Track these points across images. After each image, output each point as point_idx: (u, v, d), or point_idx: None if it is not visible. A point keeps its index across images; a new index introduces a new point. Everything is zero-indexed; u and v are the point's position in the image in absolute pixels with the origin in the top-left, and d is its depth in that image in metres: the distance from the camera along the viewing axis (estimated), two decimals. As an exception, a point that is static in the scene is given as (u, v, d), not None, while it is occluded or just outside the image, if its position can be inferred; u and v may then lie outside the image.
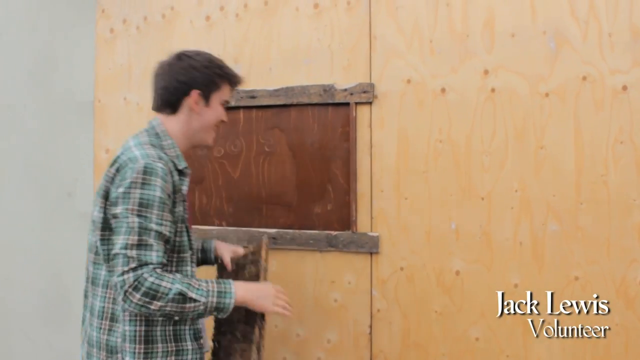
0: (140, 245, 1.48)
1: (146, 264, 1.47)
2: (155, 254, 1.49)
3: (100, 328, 1.60)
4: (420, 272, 2.04)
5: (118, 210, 1.51)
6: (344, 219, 2.13)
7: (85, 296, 1.68)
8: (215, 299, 1.54)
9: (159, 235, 1.51)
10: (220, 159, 2.33)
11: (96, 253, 1.62)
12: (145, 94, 2.42)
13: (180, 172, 1.66)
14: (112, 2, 2.50)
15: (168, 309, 1.48)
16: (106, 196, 1.57)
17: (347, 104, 2.11)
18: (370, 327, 2.11)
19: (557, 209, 1.89)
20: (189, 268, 1.65)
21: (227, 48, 2.30)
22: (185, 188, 1.67)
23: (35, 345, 2.78)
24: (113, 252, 1.49)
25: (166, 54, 2.38)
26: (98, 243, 1.60)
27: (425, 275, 2.04)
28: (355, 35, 2.12)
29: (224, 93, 1.74)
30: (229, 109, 2.27)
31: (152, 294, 1.46)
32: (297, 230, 2.19)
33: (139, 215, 1.49)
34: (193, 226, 2.31)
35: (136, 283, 1.45)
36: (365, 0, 2.10)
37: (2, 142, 2.84)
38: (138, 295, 1.45)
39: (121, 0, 2.48)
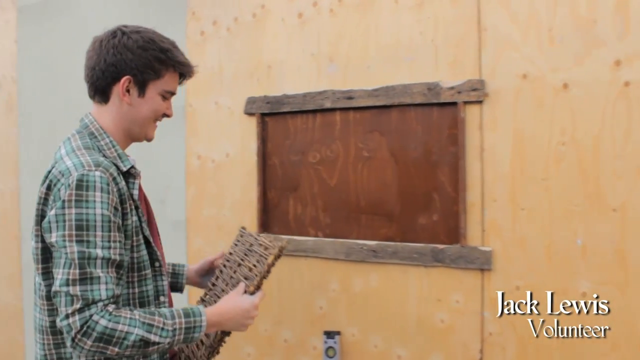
0: (84, 279, 1.22)
1: (94, 302, 1.22)
2: (104, 287, 1.24)
3: None
4: (539, 293, 1.80)
5: (53, 238, 1.26)
6: (452, 231, 1.93)
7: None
8: (182, 336, 1.32)
9: (107, 262, 1.26)
10: (316, 165, 2.18)
11: (35, 292, 1.40)
12: (237, 97, 2.34)
13: (127, 175, 1.41)
14: (202, 4, 2.42)
15: (128, 353, 1.26)
16: (41, 222, 1.33)
17: (455, 103, 1.90)
18: (481, 352, 1.89)
19: None
20: (151, 286, 1.42)
21: (321, 46, 2.15)
22: (136, 192, 1.41)
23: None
24: (53, 289, 1.25)
25: (257, 55, 2.31)
26: (38, 279, 1.36)
27: (545, 296, 1.79)
28: (462, 27, 1.90)
29: (166, 82, 1.44)
30: (325, 110, 2.16)
31: (107, 339, 1.22)
32: (399, 243, 2.01)
33: (78, 242, 1.24)
34: (288, 237, 2.20)
35: (85, 328, 1.21)
36: (473, -13, 1.88)
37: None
38: (89, 342, 1.22)
39: (211, 2, 2.39)
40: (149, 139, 1.53)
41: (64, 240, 1.24)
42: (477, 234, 1.89)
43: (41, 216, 1.33)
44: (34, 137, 3.11)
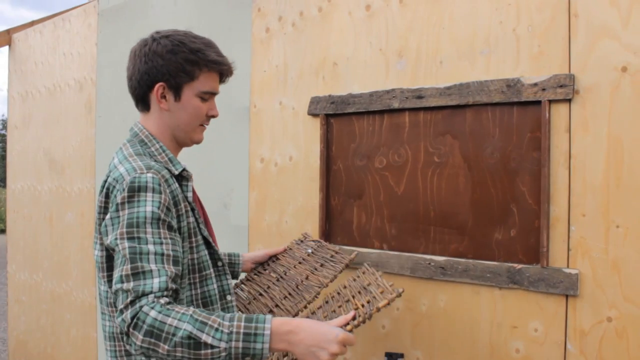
0: (136, 274, 1.18)
1: (144, 294, 1.16)
2: (157, 280, 1.17)
3: None
4: (637, 327, 1.51)
5: (109, 240, 1.25)
6: (532, 249, 1.67)
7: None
8: (240, 344, 1.13)
9: (161, 256, 1.20)
10: (382, 171, 1.99)
11: (100, 301, 1.41)
12: (301, 97, 2.20)
13: (180, 178, 1.41)
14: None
15: (179, 354, 1.13)
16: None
17: (538, 102, 1.65)
18: (565, 390, 1.62)
19: None
20: (214, 286, 1.40)
21: (389, 40, 1.96)
22: (190, 195, 1.40)
23: None
24: (112, 289, 1.22)
25: (322, 52, 2.15)
26: (103, 287, 1.37)
27: (645, 330, 1.51)
28: (548, 13, 1.65)
29: (202, 83, 1.40)
30: (393, 111, 1.96)
31: (157, 333, 1.12)
32: (471, 260, 1.78)
33: (129, 239, 1.21)
34: (351, 248, 2.03)
35: (136, 320, 1.13)
36: (563, -32, 1.62)
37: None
38: (140, 336, 1.13)
39: (277, -4, 2.27)
40: (197, 142, 1.50)
41: (116, 239, 1.23)
42: (561, 253, 1.62)
43: (100, 225, 1.33)
44: (109, 138, 3.14)
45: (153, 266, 1.19)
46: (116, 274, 1.20)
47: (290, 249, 1.95)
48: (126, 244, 1.21)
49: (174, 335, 1.12)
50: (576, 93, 1.59)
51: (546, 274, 1.63)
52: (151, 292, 1.16)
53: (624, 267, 1.53)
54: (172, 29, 1.43)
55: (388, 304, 1.32)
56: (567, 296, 1.61)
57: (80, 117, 3.35)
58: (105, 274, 1.35)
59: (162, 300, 1.16)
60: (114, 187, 1.29)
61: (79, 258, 3.38)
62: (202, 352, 1.13)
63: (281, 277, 1.83)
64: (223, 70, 1.43)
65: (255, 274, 1.90)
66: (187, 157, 1.62)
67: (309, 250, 1.90)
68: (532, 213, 1.67)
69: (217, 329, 1.13)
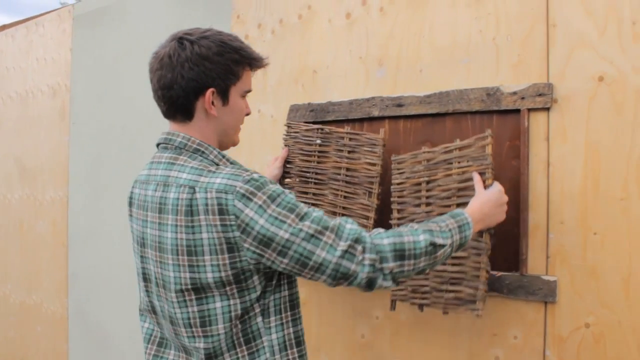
0: (337, 231, 1.21)
1: (357, 233, 1.21)
2: (349, 225, 1.23)
3: None
4: (613, 332, 1.53)
5: (285, 235, 1.17)
6: (511, 256, 1.68)
7: None
8: (457, 236, 1.33)
9: (326, 216, 1.24)
10: (361, 178, 1.99)
11: (176, 324, 1.29)
12: (281, 105, 2.19)
13: None
14: (247, 6, 2.29)
15: (422, 264, 1.26)
16: (230, 249, 1.20)
17: (518, 110, 1.66)
18: (544, 397, 1.63)
19: None
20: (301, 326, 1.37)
21: (370, 48, 1.97)
22: None
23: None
24: (318, 264, 1.19)
25: (302, 59, 2.14)
26: (217, 304, 1.24)
27: (620, 336, 1.52)
28: (527, 23, 1.67)
29: (244, 82, 1.33)
30: (372, 119, 1.96)
31: (399, 254, 1.23)
32: (449, 268, 1.78)
33: (301, 218, 1.19)
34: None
35: (376, 255, 1.21)
36: (541, -21, 1.65)
37: (146, 156, 2.76)
38: (391, 264, 1.22)
39: (256, 4, 2.26)
40: (235, 145, 1.44)
41: (290, 226, 1.18)
42: (540, 261, 1.63)
43: (223, 244, 1.20)
44: (83, 146, 3.08)
45: (337, 220, 1.24)
46: (323, 254, 1.19)
47: (293, 145, 2.03)
48: (306, 222, 1.19)
49: (415, 248, 1.24)
50: (554, 102, 1.61)
51: (525, 282, 1.64)
52: (359, 232, 1.22)
53: (601, 274, 1.55)
54: (194, 28, 1.32)
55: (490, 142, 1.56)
56: (546, 303, 1.62)
57: (53, 123, 3.29)
58: (218, 291, 1.24)
59: (373, 232, 1.27)
60: (225, 200, 1.18)
61: (50, 268, 3.30)
62: (438, 253, 1.28)
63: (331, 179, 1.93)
64: (262, 66, 1.37)
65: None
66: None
67: (318, 141, 1.95)
68: (511, 221, 1.68)
69: (441, 231, 1.29)
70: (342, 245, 1.19)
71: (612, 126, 1.54)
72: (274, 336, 1.29)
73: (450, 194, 1.64)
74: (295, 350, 1.33)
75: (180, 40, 1.27)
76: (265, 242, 1.18)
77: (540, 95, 1.62)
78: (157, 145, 1.37)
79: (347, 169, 1.90)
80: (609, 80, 1.54)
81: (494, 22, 1.72)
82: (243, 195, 1.17)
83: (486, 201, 1.46)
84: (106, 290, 2.98)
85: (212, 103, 1.29)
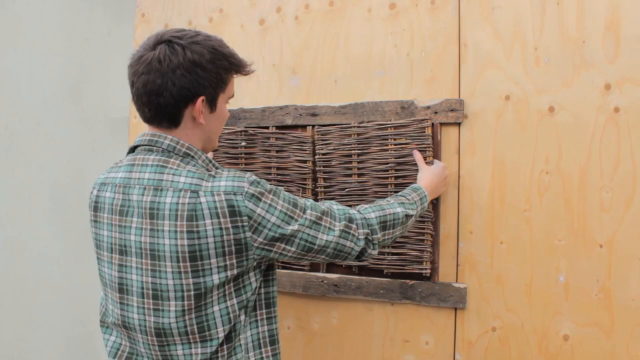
0: (330, 216, 1.29)
1: (347, 213, 1.33)
2: (336, 206, 1.34)
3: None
4: (517, 335, 1.64)
5: (295, 227, 1.23)
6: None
7: None
8: (419, 207, 1.52)
9: (319, 204, 1.33)
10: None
11: (180, 334, 1.23)
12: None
13: None
14: (153, 5, 2.19)
15: (397, 233, 1.43)
16: (238, 250, 1.19)
17: (431, 124, 1.73)
18: (453, 399, 1.71)
19: None
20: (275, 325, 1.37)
21: (284, 57, 1.95)
22: None
23: None
24: (321, 247, 1.28)
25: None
26: (234, 302, 1.24)
27: (523, 338, 1.63)
28: (440, 41, 1.74)
29: (229, 89, 1.31)
30: (285, 127, 1.95)
31: (384, 225, 1.38)
32: (364, 277, 1.81)
33: (302, 210, 1.26)
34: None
35: (368, 229, 1.34)
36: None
37: (31, 159, 2.55)
38: (379, 235, 1.36)
39: (163, 3, 2.17)
40: (215, 149, 1.49)
41: (298, 220, 1.24)
42: (451, 269, 1.71)
43: (232, 245, 1.19)
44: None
45: (324, 204, 1.33)
46: (329, 237, 1.27)
47: (216, 150, 1.97)
48: (307, 212, 1.25)
49: (395, 219, 1.40)
50: (465, 117, 1.70)
51: (437, 289, 1.71)
52: (347, 210, 1.34)
53: (507, 280, 1.65)
54: (179, 30, 1.25)
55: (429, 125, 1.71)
56: (456, 309, 1.70)
57: None
58: (229, 290, 1.23)
59: (358, 209, 1.39)
60: (234, 203, 1.17)
61: None
62: (409, 223, 1.46)
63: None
64: (249, 73, 1.34)
65: None
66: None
67: (243, 144, 1.95)
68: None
69: (410, 202, 1.48)
70: (339, 226, 1.29)
71: (517, 142, 1.65)
72: (248, 333, 1.29)
73: (388, 167, 1.76)
74: (269, 348, 1.32)
75: (170, 43, 1.21)
76: (277, 237, 1.21)
77: (452, 110, 1.70)
78: (134, 147, 1.29)
79: (278, 168, 1.91)
80: (514, 100, 1.65)
81: (409, 38, 1.78)
82: (252, 195, 1.18)
83: (434, 175, 1.64)
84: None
85: (201, 112, 1.24)
